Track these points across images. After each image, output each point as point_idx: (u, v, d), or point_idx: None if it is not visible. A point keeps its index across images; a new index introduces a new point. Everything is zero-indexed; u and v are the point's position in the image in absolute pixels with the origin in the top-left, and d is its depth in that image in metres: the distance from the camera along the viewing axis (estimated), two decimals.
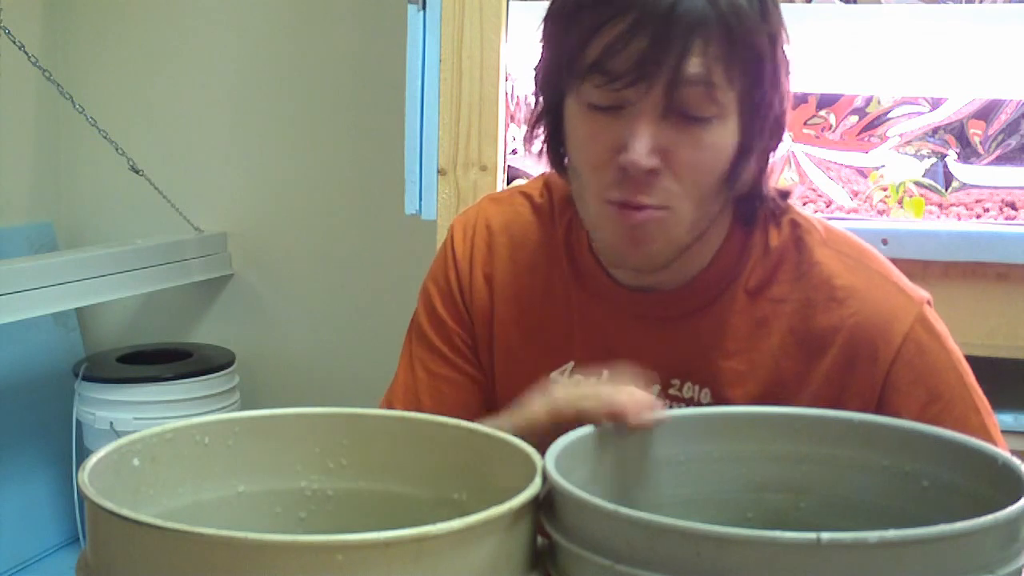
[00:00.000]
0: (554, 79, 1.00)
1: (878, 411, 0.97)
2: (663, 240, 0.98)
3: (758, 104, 0.96)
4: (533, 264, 1.11)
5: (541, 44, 1.02)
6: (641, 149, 0.93)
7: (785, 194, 1.06)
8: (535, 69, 1.03)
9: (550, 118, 1.03)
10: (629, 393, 0.86)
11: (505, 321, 1.11)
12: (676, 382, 1.05)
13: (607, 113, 0.95)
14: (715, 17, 0.92)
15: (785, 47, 0.99)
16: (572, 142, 1.00)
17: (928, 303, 1.04)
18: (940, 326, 1.04)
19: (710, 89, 0.93)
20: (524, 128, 1.96)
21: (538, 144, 1.06)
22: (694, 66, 0.92)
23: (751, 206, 1.04)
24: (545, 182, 1.15)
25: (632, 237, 0.97)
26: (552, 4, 1.00)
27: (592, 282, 1.08)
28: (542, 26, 1.01)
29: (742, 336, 1.03)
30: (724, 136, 0.95)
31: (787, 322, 1.02)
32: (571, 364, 1.08)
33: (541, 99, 1.04)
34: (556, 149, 1.04)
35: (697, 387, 1.04)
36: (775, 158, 1.03)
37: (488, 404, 1.12)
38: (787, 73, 0.99)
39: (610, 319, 1.07)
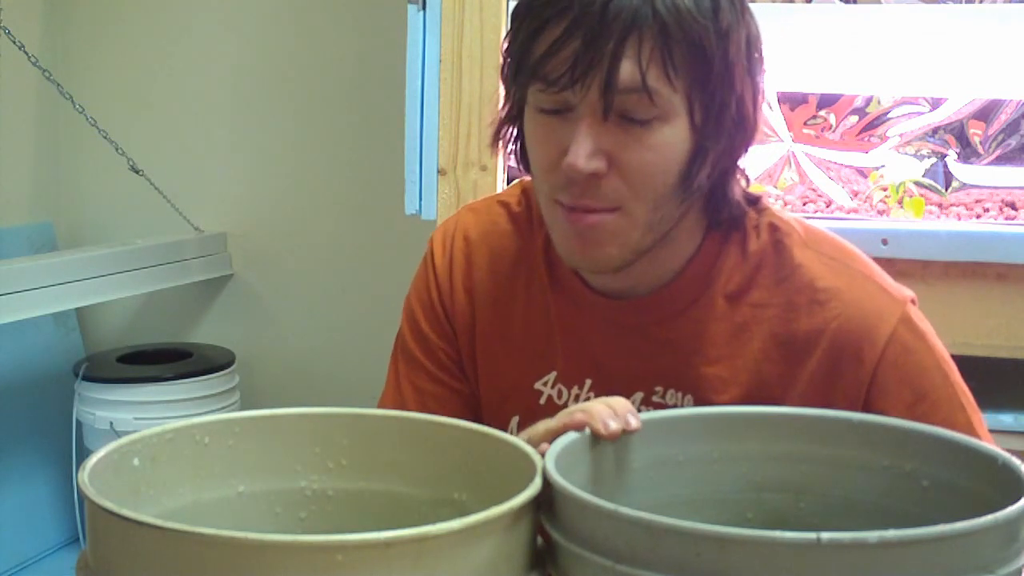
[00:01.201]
0: (513, 86, 1.00)
1: (864, 412, 0.97)
2: (616, 243, 0.97)
3: (708, 104, 0.95)
4: (512, 274, 1.11)
5: (505, 46, 1.02)
6: (580, 152, 0.92)
7: (753, 199, 1.05)
8: (501, 70, 1.03)
9: (517, 120, 1.03)
10: (603, 402, 0.85)
11: (487, 332, 1.11)
12: (659, 389, 1.04)
13: (554, 116, 0.95)
14: (651, 16, 0.90)
15: (746, 46, 0.96)
16: (528, 146, 1.01)
17: (912, 302, 1.03)
18: (924, 325, 1.03)
19: (647, 91, 0.91)
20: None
21: (504, 146, 1.06)
22: (627, 69, 0.91)
23: (717, 210, 1.03)
24: (523, 189, 1.15)
25: (582, 240, 0.97)
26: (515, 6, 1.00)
27: (570, 290, 1.08)
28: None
29: (722, 342, 1.03)
30: (671, 137, 0.94)
31: (769, 327, 1.02)
32: (554, 373, 1.08)
33: (505, 105, 1.03)
34: (523, 151, 1.04)
35: (680, 394, 1.03)
36: (743, 161, 1.02)
37: (474, 415, 1.11)
38: (749, 72, 0.97)
39: (590, 327, 1.07)
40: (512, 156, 1.07)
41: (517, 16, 0.97)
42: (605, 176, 0.94)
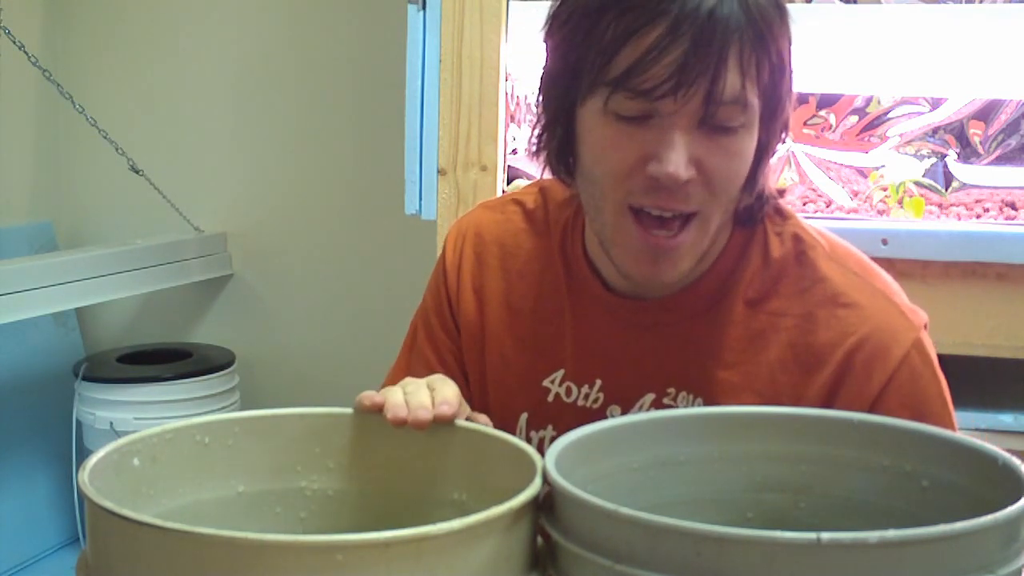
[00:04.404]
0: (566, 86, 0.96)
1: None
2: (689, 257, 0.97)
3: (775, 109, 0.96)
4: (525, 272, 1.11)
5: (549, 50, 0.98)
6: (679, 162, 0.91)
7: (782, 192, 1.07)
8: (541, 76, 1.00)
9: (560, 126, 0.99)
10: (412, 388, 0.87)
11: (497, 330, 1.11)
12: (671, 391, 1.04)
13: (634, 123, 0.92)
14: (748, 24, 0.90)
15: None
16: (590, 151, 0.96)
17: (925, 326, 1.03)
18: (932, 352, 1.03)
19: (744, 102, 0.91)
20: (526, 131, 1.95)
21: (545, 152, 1.02)
22: (731, 80, 0.90)
23: (753, 207, 1.03)
24: (540, 188, 1.15)
25: (656, 260, 0.96)
26: (559, 8, 0.96)
27: (586, 289, 1.08)
28: (548, 30, 0.97)
29: (738, 347, 1.02)
30: (749, 142, 0.95)
31: (787, 336, 1.01)
32: (561, 371, 1.08)
33: (549, 107, 1.00)
34: (565, 158, 1.01)
35: (691, 397, 1.03)
36: (775, 158, 1.03)
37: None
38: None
39: (605, 327, 1.06)
40: (549, 161, 1.03)
41: (580, 21, 0.93)
42: (690, 183, 0.93)
